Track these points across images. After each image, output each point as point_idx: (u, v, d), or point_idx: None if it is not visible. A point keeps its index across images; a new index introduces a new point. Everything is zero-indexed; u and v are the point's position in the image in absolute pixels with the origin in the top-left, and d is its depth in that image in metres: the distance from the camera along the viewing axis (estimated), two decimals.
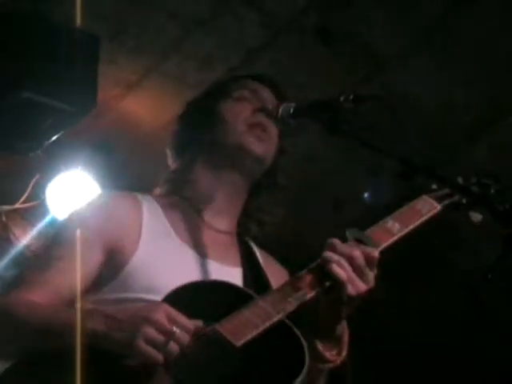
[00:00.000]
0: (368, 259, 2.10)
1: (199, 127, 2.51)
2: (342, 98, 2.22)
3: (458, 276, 4.91)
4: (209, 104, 2.54)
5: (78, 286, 2.17)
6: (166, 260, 2.24)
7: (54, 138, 4.34)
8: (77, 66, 4.06)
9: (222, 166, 2.45)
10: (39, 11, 4.01)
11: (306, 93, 4.12)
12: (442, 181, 2.31)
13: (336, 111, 2.23)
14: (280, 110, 2.33)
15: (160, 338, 1.87)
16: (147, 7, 4.07)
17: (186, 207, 2.43)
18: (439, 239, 4.54)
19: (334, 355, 2.17)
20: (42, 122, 4.19)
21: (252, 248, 2.50)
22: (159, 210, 2.38)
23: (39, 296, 2.12)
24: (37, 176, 4.78)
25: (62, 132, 4.29)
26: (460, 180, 2.37)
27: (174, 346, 1.87)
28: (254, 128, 2.44)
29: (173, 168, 2.54)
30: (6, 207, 4.95)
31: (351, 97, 2.22)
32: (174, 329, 1.88)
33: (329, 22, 4.14)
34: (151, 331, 1.87)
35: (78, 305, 2.13)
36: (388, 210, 2.28)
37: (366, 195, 4.52)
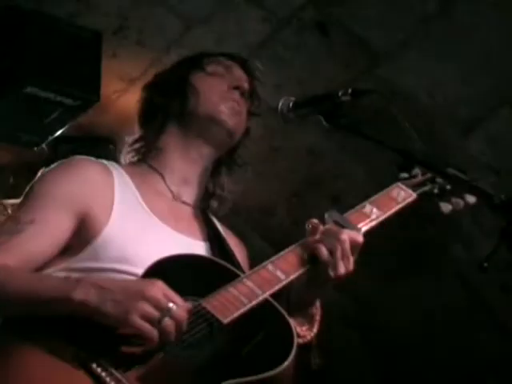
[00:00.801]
0: (353, 244, 2.09)
1: (169, 96, 2.45)
2: (340, 93, 2.22)
3: (453, 266, 4.91)
4: (180, 74, 2.49)
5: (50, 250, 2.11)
6: (137, 231, 2.18)
7: (58, 132, 4.34)
8: (80, 62, 4.06)
9: (191, 136, 2.40)
10: (43, 8, 4.01)
11: (306, 87, 4.11)
12: (440, 173, 2.30)
13: (335, 105, 2.22)
14: (280, 104, 2.32)
15: (155, 313, 1.83)
16: (149, 3, 4.07)
17: (153, 177, 2.38)
18: (435, 230, 4.54)
19: (304, 331, 2.15)
20: (46, 116, 4.19)
21: (213, 221, 2.45)
22: (128, 180, 2.31)
23: (11, 260, 2.04)
24: (42, 169, 4.77)
25: (65, 126, 4.29)
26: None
27: (169, 323, 1.83)
28: (227, 102, 2.41)
29: (140, 135, 2.48)
30: (12, 200, 4.94)
31: (349, 91, 2.21)
32: (170, 305, 1.84)
33: (327, 18, 4.13)
34: (147, 307, 1.83)
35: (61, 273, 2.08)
36: None
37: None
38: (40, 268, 2.10)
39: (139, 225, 2.21)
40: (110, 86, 4.43)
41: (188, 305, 1.89)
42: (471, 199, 2.36)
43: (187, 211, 2.39)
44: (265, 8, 4.08)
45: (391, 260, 4.73)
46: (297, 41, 4.22)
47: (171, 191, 2.38)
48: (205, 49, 4.17)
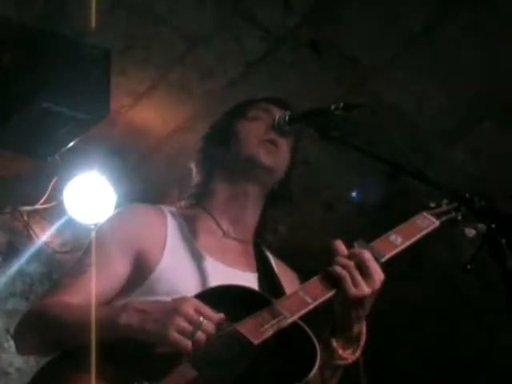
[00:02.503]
0: (372, 262, 2.14)
1: (217, 145, 2.53)
2: (332, 107, 2.22)
3: (440, 268, 4.90)
4: (227, 124, 2.57)
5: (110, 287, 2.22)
6: (187, 267, 2.27)
7: (71, 143, 4.33)
8: (90, 78, 4.05)
9: (236, 177, 2.47)
10: (56, 29, 4.01)
11: (300, 102, 4.10)
12: (427, 181, 2.31)
13: (328, 118, 2.23)
14: (276, 118, 2.33)
15: (189, 327, 1.90)
16: (155, 24, 4.06)
17: (206, 218, 2.45)
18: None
19: (347, 354, 2.18)
20: (59, 129, 4.19)
21: (267, 255, 2.51)
22: (182, 221, 2.40)
23: (75, 299, 2.15)
24: (55, 179, 4.77)
25: (77, 138, 4.29)
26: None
27: (200, 335, 1.91)
28: (264, 143, 2.45)
29: (195, 182, 2.56)
30: (28, 208, 4.94)
31: (341, 105, 2.22)
32: (201, 319, 1.91)
33: (320, 37, 4.14)
34: (181, 321, 1.91)
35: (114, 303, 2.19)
36: (375, 209, 2.27)
37: (353, 194, 4.52)
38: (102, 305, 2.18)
39: (190, 261, 2.29)
40: (119, 101, 4.43)
41: (219, 315, 1.96)
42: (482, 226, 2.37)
43: (237, 246, 2.44)
44: (262, 28, 4.09)
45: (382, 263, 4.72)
46: (292, 58, 4.23)
47: (222, 229, 2.44)
48: (207, 66, 4.22)
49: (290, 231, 4.70)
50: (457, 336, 5.11)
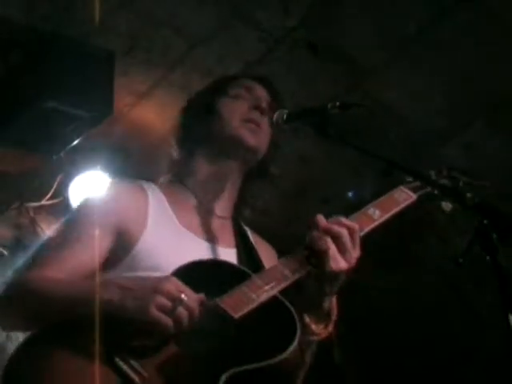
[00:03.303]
0: (352, 235, 2.07)
1: (199, 122, 2.47)
2: (329, 105, 2.21)
3: (432, 262, 4.90)
4: (208, 101, 2.50)
5: (97, 262, 2.16)
6: (169, 242, 2.21)
7: (75, 141, 4.33)
8: (94, 78, 4.05)
9: (218, 155, 2.42)
10: (61, 30, 4.01)
11: (298, 100, 4.10)
12: (419, 176, 2.30)
13: (324, 117, 2.22)
14: (275, 116, 2.32)
15: (169, 304, 1.86)
16: (156, 25, 4.06)
17: (186, 194, 2.40)
18: (412, 228, 4.53)
19: (320, 328, 2.14)
20: (64, 127, 4.18)
21: (245, 230, 2.47)
22: (162, 197, 2.34)
23: (57, 274, 2.09)
24: (60, 176, 4.77)
25: (81, 136, 4.29)
26: (433, 174, 2.36)
27: (182, 312, 1.86)
28: (247, 122, 2.41)
29: (175, 159, 2.50)
30: (34, 204, 4.94)
31: (337, 104, 2.21)
32: (182, 296, 1.87)
33: (317, 38, 4.13)
34: (162, 299, 1.87)
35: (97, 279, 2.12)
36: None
37: (350, 194, 4.52)
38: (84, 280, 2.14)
39: (171, 236, 2.24)
40: (122, 100, 4.42)
41: (199, 296, 1.92)
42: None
43: (217, 222, 2.39)
44: (261, 29, 4.08)
45: (375, 257, 4.72)
46: (290, 59, 4.22)
47: (202, 206, 2.39)
48: (207, 66, 4.22)
49: (288, 225, 4.70)
50: (448, 328, 5.11)
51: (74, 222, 2.27)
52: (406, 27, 4.01)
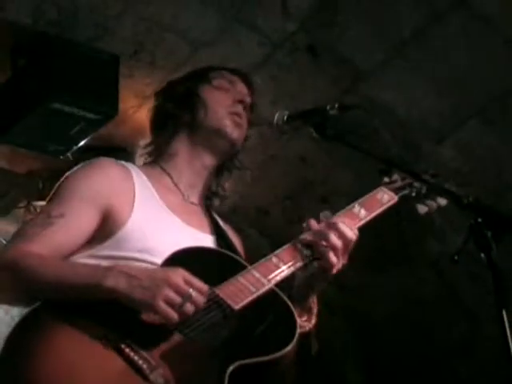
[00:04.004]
0: (347, 242, 2.07)
1: (180, 106, 2.41)
2: (328, 107, 2.21)
3: (428, 259, 4.90)
4: (190, 86, 2.45)
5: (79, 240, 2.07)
6: (156, 224, 2.15)
7: (82, 142, 4.33)
8: (100, 81, 4.06)
9: (198, 145, 2.37)
10: (68, 34, 4.01)
11: (298, 102, 4.11)
12: (411, 175, 2.31)
13: (323, 118, 2.22)
14: (275, 117, 2.32)
15: (178, 298, 1.80)
16: (161, 30, 4.06)
17: (164, 177, 2.34)
18: (412, 228, 4.53)
19: (304, 321, 2.13)
20: (70, 128, 4.19)
21: (216, 219, 2.43)
22: (145, 178, 2.27)
23: (43, 249, 2.00)
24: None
25: (88, 137, 4.29)
26: (425, 176, 2.37)
27: (189, 307, 1.81)
28: (233, 116, 2.38)
29: (153, 140, 2.45)
30: (41, 202, 4.94)
31: (336, 106, 2.21)
32: (191, 291, 1.81)
33: (316, 42, 4.13)
34: (170, 292, 1.80)
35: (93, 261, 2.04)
36: None
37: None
38: (67, 257, 2.06)
39: (157, 218, 2.18)
40: (127, 102, 4.43)
41: (207, 287, 1.86)
42: (443, 202, 2.37)
43: (194, 209, 2.35)
44: (262, 33, 4.08)
45: (373, 254, 4.73)
46: (290, 61, 4.22)
47: (180, 191, 2.34)
48: None
49: (288, 224, 4.70)
50: (442, 324, 5.12)
51: (61, 197, 2.16)
52: (402, 31, 4.01)
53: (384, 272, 4.96)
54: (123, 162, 2.30)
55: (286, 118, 2.30)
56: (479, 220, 1.90)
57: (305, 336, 2.14)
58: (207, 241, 2.26)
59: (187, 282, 1.82)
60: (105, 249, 2.08)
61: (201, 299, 1.83)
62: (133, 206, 2.15)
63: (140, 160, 2.46)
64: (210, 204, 2.46)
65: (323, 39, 4.09)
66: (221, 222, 2.43)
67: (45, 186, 4.92)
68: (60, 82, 3.98)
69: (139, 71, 4.30)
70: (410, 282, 5.00)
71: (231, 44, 4.12)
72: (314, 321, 2.16)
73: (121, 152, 4.77)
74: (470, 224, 1.91)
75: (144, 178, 2.27)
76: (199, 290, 1.83)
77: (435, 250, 4.77)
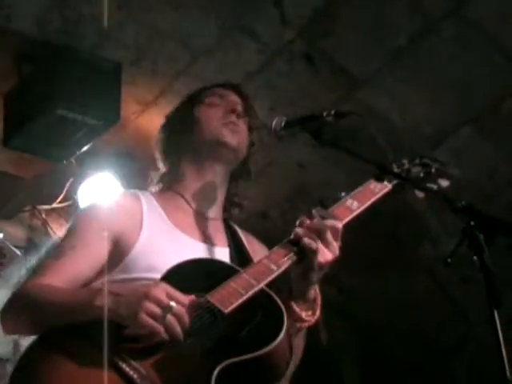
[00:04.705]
0: (333, 231, 2.09)
1: (180, 132, 2.47)
2: (325, 113, 2.21)
3: (421, 262, 4.90)
4: (186, 111, 2.51)
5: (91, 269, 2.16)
6: (163, 244, 2.21)
7: (85, 147, 4.33)
8: (103, 88, 4.05)
9: (203, 160, 2.41)
10: (71, 42, 4.01)
11: (295, 109, 4.11)
12: (405, 180, 2.31)
13: (320, 124, 2.22)
14: (273, 123, 2.32)
15: (159, 311, 1.84)
16: (162, 38, 4.06)
17: (177, 199, 2.39)
18: (407, 231, 4.53)
19: (309, 315, 2.14)
20: (74, 134, 4.18)
21: (236, 230, 2.46)
22: (155, 204, 2.34)
23: (56, 280, 2.10)
24: (70, 180, 4.76)
25: (90, 142, 4.29)
26: (406, 163, 2.37)
27: (171, 318, 1.85)
28: (227, 125, 2.41)
29: (164, 170, 2.50)
30: (46, 206, 4.93)
31: (333, 112, 2.21)
32: (171, 303, 1.85)
33: (313, 50, 4.14)
34: (151, 306, 1.84)
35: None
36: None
37: (342, 194, 4.51)
38: (82, 286, 2.14)
39: (165, 239, 2.23)
40: (129, 108, 4.42)
41: (189, 299, 1.90)
42: (445, 183, 2.37)
43: (209, 223, 2.38)
44: (260, 42, 4.08)
45: (370, 256, 4.72)
46: (287, 69, 4.22)
47: (193, 208, 2.38)
48: (209, 76, 4.23)
49: (286, 226, 4.69)
50: (435, 325, 5.11)
51: (72, 231, 2.26)
52: (397, 40, 4.01)
53: (379, 274, 4.96)
54: (136, 191, 2.40)
55: (283, 124, 2.30)
56: (472, 223, 1.90)
57: (312, 328, 2.16)
58: (219, 254, 2.28)
59: (168, 295, 1.87)
60: (118, 273, 2.15)
61: (182, 310, 1.86)
62: (140, 229, 2.22)
63: (155, 187, 2.51)
64: (231, 214, 2.49)
65: (320, 48, 4.10)
66: (240, 232, 2.46)
67: (48, 190, 4.91)
68: (64, 88, 3.98)
69: (141, 78, 4.29)
70: (404, 283, 5.00)
71: (231, 51, 4.12)
72: (318, 312, 2.16)
73: (123, 157, 4.76)
74: (463, 227, 1.91)
75: (154, 202, 2.34)
76: (180, 302, 1.87)
77: (429, 252, 4.77)
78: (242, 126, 2.45)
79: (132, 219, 2.24)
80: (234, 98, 2.51)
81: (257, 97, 4.16)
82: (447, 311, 5.06)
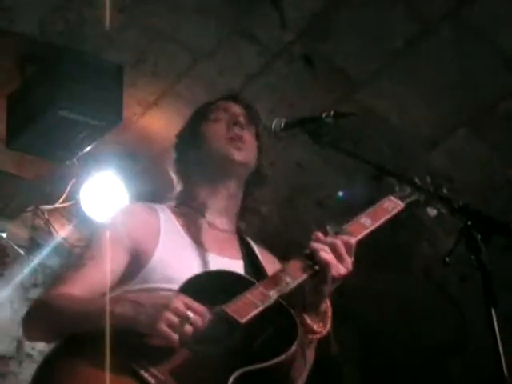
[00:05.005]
0: (347, 246, 2.11)
1: (189, 150, 2.50)
2: (324, 114, 2.21)
3: (420, 261, 4.90)
4: (193, 130, 2.53)
5: (108, 279, 2.19)
6: (179, 256, 2.25)
7: (87, 148, 4.33)
8: (105, 89, 4.06)
9: (214, 176, 2.43)
10: (74, 45, 4.02)
11: (294, 110, 4.11)
12: (407, 182, 2.31)
13: (319, 125, 2.22)
14: (273, 125, 2.32)
15: (177, 320, 1.89)
16: (163, 40, 4.07)
17: (192, 214, 2.42)
18: (405, 232, 4.53)
19: (320, 327, 2.16)
20: (76, 135, 4.19)
21: (250, 243, 2.49)
22: (172, 217, 2.38)
23: (76, 290, 2.14)
24: (73, 180, 4.76)
25: (93, 143, 4.29)
26: (417, 181, 2.37)
27: (188, 328, 1.89)
28: (232, 140, 2.42)
29: (178, 189, 2.52)
30: (48, 206, 4.94)
31: (331, 113, 2.21)
32: (189, 313, 1.90)
33: (312, 52, 4.14)
34: (170, 315, 1.89)
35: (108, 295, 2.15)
36: (362, 207, 2.27)
37: (340, 194, 4.52)
38: (100, 296, 2.16)
39: (181, 251, 2.27)
40: (130, 109, 4.43)
41: (206, 309, 1.94)
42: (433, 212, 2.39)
43: (223, 236, 2.41)
44: (260, 44, 4.08)
45: (371, 257, 4.72)
46: (287, 71, 4.22)
47: (208, 223, 2.40)
48: (209, 78, 4.23)
49: (285, 226, 4.70)
50: (433, 324, 5.11)
51: (92, 243, 2.29)
52: (394, 42, 4.01)
53: (378, 274, 4.95)
54: (154, 205, 2.43)
55: (283, 125, 2.30)
56: (469, 223, 1.91)
57: (322, 339, 2.19)
58: (233, 266, 2.30)
59: (186, 306, 1.91)
60: (136, 283, 2.19)
61: (199, 320, 1.91)
62: (157, 243, 2.25)
63: (170, 203, 2.53)
64: (246, 221, 2.51)
65: (319, 49, 4.10)
66: (254, 245, 2.49)
67: (51, 190, 4.91)
68: (67, 90, 3.98)
69: (142, 80, 4.30)
70: (403, 283, 4.99)
71: (231, 54, 4.12)
72: (329, 324, 2.19)
73: (124, 158, 4.76)
74: (461, 227, 1.92)
75: (170, 215, 2.38)
76: (197, 312, 1.91)
77: (427, 252, 4.77)
78: (248, 136, 2.46)
79: (149, 231, 2.28)
80: (236, 109, 2.51)
81: (257, 98, 4.18)
82: (445, 310, 5.06)
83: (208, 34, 4.04)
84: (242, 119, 2.46)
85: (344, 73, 4.18)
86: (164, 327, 1.88)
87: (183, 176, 2.51)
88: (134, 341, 1.92)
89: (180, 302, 1.92)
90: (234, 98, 2.58)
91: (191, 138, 2.51)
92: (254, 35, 4.03)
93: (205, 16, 3.94)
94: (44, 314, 2.12)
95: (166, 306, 1.90)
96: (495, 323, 1.76)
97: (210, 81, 4.27)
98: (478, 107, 4.22)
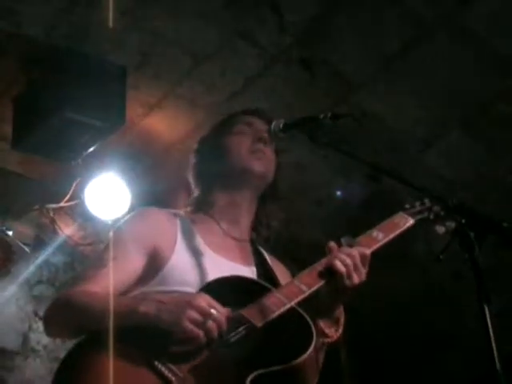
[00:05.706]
0: (362, 257, 2.16)
1: (211, 160, 2.52)
2: (321, 116, 2.21)
3: (414, 259, 4.90)
4: (216, 140, 2.55)
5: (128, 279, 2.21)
6: (195, 261, 2.26)
7: (91, 149, 4.33)
8: (109, 91, 4.05)
9: (233, 186, 2.46)
10: (78, 47, 4.01)
11: (293, 111, 4.10)
12: (399, 181, 2.31)
13: (317, 126, 2.22)
14: (272, 125, 2.32)
15: (201, 318, 1.91)
16: (165, 43, 4.06)
17: (208, 221, 2.44)
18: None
19: (332, 332, 2.20)
20: (80, 136, 4.18)
21: (262, 252, 2.51)
22: (189, 223, 2.40)
23: (97, 288, 2.15)
24: (77, 180, 4.76)
25: (97, 144, 4.28)
26: (417, 205, 2.40)
27: (211, 324, 1.92)
28: (254, 153, 2.45)
29: (195, 193, 2.54)
30: (53, 205, 4.93)
31: (329, 114, 2.21)
32: (212, 311, 1.93)
33: (310, 55, 4.13)
34: (193, 313, 1.92)
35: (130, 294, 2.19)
36: (359, 206, 2.27)
37: (338, 193, 4.52)
38: (122, 294, 2.19)
39: (196, 255, 2.28)
40: (134, 111, 4.42)
41: (227, 310, 1.98)
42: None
43: (237, 244, 2.43)
44: (259, 47, 4.08)
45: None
46: (286, 73, 4.22)
47: (223, 230, 2.43)
48: (211, 80, 4.23)
49: (284, 225, 4.70)
50: (427, 320, 5.11)
51: (114, 244, 2.30)
52: (391, 45, 4.01)
53: (373, 270, 4.95)
54: (171, 210, 2.46)
55: (282, 126, 2.30)
56: (463, 221, 1.91)
57: (333, 344, 2.23)
58: (247, 272, 2.33)
59: (209, 304, 1.95)
60: (154, 285, 2.21)
61: (221, 318, 1.94)
62: (174, 247, 2.28)
63: (186, 209, 2.55)
64: (259, 234, 2.52)
65: (317, 53, 4.09)
66: (265, 254, 2.51)
67: (57, 190, 4.91)
68: (71, 92, 3.97)
69: (145, 82, 4.29)
70: (398, 280, 4.99)
71: (231, 57, 4.12)
72: (341, 330, 2.24)
73: (128, 158, 4.76)
74: (455, 225, 1.91)
75: (187, 221, 2.40)
76: (219, 311, 1.95)
77: (421, 249, 4.77)
78: (269, 152, 2.50)
79: (167, 235, 2.30)
80: (260, 125, 2.53)
81: (256, 100, 4.18)
82: (439, 306, 5.06)
83: (209, 37, 4.03)
84: (266, 135, 2.48)
85: (341, 75, 4.18)
86: (188, 324, 1.91)
87: (202, 183, 2.53)
88: (158, 338, 1.94)
89: (202, 300, 1.95)
90: (258, 112, 2.61)
91: (214, 148, 2.53)
92: (253, 38, 4.03)
93: (206, 20, 3.94)
94: (67, 310, 2.14)
95: (189, 304, 1.93)
96: (488, 319, 1.76)
97: (211, 83, 4.27)
98: (471, 109, 4.22)
